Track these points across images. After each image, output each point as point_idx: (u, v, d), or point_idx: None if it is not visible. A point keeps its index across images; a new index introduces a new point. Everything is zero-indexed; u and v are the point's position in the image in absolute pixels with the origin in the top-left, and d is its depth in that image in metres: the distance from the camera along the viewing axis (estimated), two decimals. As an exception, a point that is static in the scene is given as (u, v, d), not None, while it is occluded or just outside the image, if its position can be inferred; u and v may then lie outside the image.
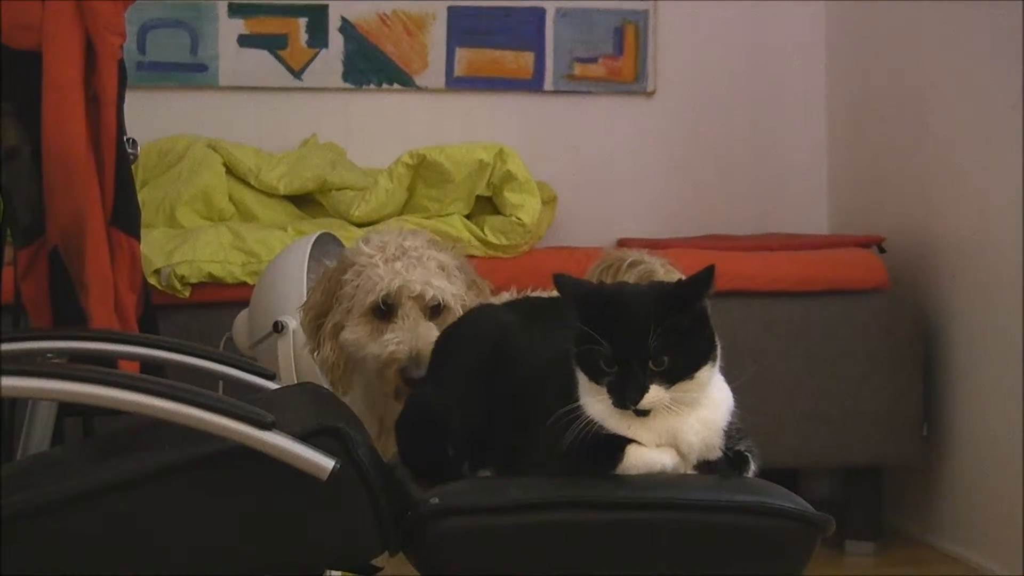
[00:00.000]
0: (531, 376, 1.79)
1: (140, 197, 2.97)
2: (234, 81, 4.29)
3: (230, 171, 4.00)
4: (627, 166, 4.46)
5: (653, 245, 3.39)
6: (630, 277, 2.40)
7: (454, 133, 4.12)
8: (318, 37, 4.31)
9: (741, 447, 1.72)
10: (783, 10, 4.47)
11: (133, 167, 2.64)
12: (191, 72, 4.27)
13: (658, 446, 1.67)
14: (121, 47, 2.50)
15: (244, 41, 4.29)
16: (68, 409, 2.40)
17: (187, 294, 3.46)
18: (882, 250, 3.86)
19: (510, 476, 1.74)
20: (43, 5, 2.40)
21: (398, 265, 2.26)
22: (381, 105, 4.37)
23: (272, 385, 2.27)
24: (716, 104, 4.47)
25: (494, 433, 1.80)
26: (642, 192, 4.46)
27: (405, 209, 3.78)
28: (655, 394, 1.63)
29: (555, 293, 1.73)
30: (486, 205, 3.83)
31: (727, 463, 1.70)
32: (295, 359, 2.75)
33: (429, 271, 2.27)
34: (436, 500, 1.66)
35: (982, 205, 3.50)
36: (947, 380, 3.67)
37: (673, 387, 1.64)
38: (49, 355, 2.12)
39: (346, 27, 4.32)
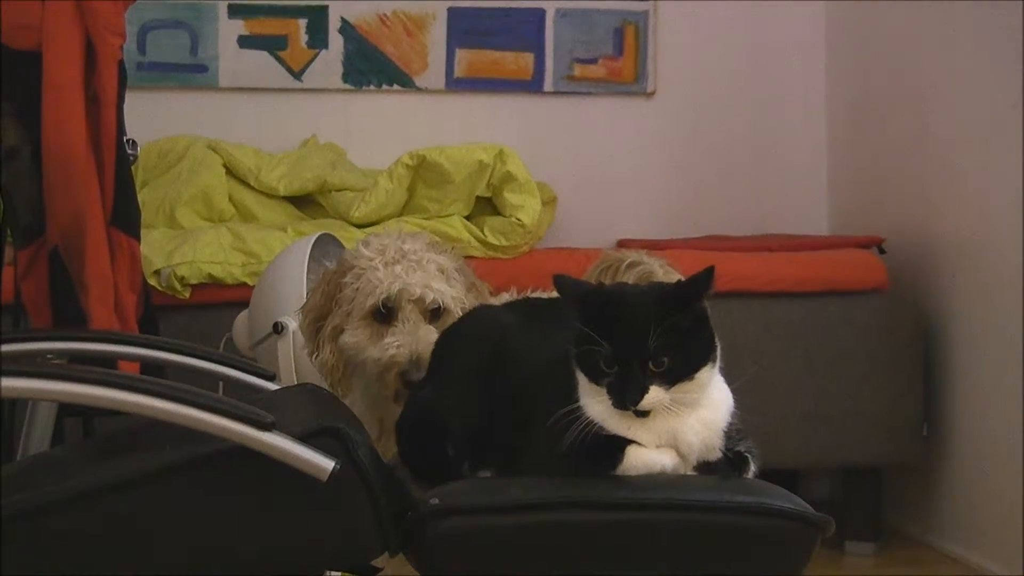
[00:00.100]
0: (531, 377, 1.79)
1: (140, 198, 2.97)
2: (234, 82, 4.29)
3: (230, 172, 4.00)
4: (627, 167, 4.46)
5: (653, 246, 3.40)
6: (629, 278, 2.40)
7: (454, 134, 4.12)
8: (318, 38, 4.31)
9: (741, 448, 1.72)
10: (783, 10, 4.47)
11: (133, 168, 2.64)
12: (191, 73, 4.27)
13: (658, 447, 1.67)
14: (121, 47, 2.50)
15: (244, 42, 4.29)
16: (68, 410, 2.40)
17: (187, 295, 3.45)
18: (882, 251, 3.86)
19: (510, 476, 1.74)
20: (43, 5, 2.40)
21: (398, 268, 2.26)
22: (381, 106, 4.37)
23: (272, 386, 2.27)
24: (716, 105, 4.47)
25: (494, 433, 1.80)
26: (642, 193, 4.46)
27: (405, 210, 3.78)
28: (655, 395, 1.63)
29: (555, 294, 1.74)
30: (486, 206, 3.83)
31: (727, 464, 1.70)
32: (295, 360, 2.75)
33: (429, 274, 2.27)
34: (436, 500, 1.67)
35: (982, 205, 3.50)
36: (947, 380, 3.67)
37: (673, 388, 1.64)
38: (49, 356, 2.12)
39: (346, 28, 4.32)
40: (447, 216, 3.74)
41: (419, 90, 4.37)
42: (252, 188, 3.98)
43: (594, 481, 1.66)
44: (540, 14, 4.39)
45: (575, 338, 1.67)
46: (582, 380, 1.67)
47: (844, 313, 3.65)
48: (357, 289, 2.26)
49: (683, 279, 1.75)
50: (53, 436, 2.30)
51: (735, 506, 1.65)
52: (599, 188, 4.43)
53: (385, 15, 4.34)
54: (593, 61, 4.42)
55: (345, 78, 4.33)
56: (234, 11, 4.28)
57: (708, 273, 1.65)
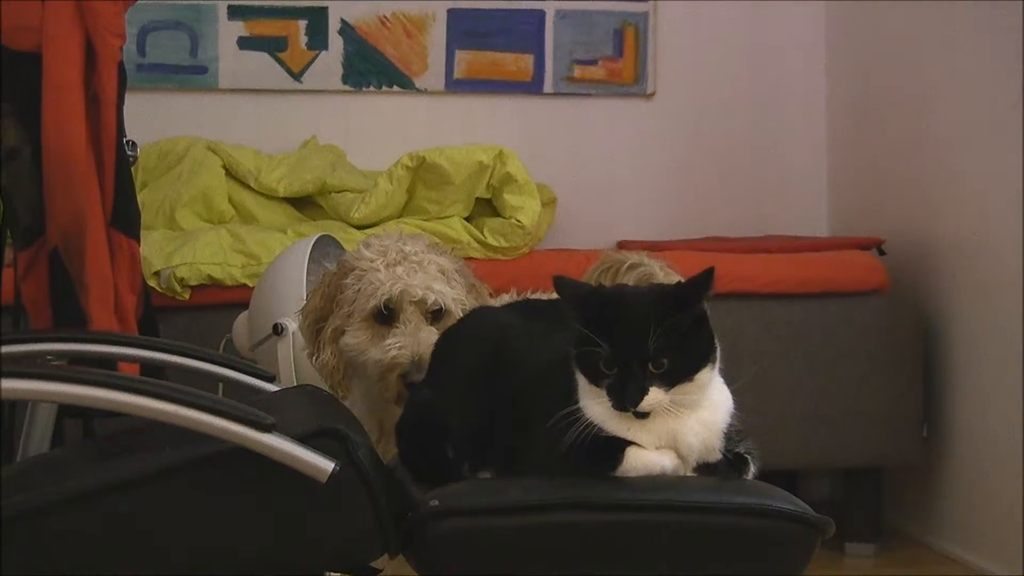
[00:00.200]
0: (531, 378, 1.79)
1: (140, 199, 2.97)
2: (234, 83, 4.29)
3: (230, 173, 4.00)
4: (627, 168, 4.46)
5: (653, 247, 3.40)
6: (629, 279, 2.40)
7: (454, 135, 4.12)
8: (318, 39, 4.31)
9: (741, 449, 1.72)
10: (783, 11, 4.47)
11: (132, 169, 2.64)
12: (191, 74, 4.27)
13: (658, 448, 1.67)
14: (121, 48, 2.50)
15: (244, 43, 4.29)
16: (68, 411, 2.39)
17: (187, 296, 3.45)
18: (882, 252, 3.86)
19: (510, 478, 1.74)
20: (43, 6, 2.40)
21: (399, 270, 2.26)
22: (381, 107, 4.37)
23: (272, 387, 2.27)
24: (716, 106, 4.47)
25: (494, 435, 1.80)
26: (642, 194, 4.46)
27: (405, 211, 3.78)
28: (655, 396, 1.63)
29: (555, 295, 1.74)
30: (486, 207, 3.83)
31: (727, 465, 1.70)
32: (295, 361, 2.75)
33: (430, 275, 2.27)
34: (436, 502, 1.67)
35: (982, 206, 3.50)
36: (947, 381, 3.67)
37: (673, 389, 1.64)
38: (49, 357, 2.12)
39: (346, 29, 4.32)
40: (447, 217, 3.74)
41: (419, 91, 4.37)
42: (252, 189, 3.98)
43: (594, 482, 1.66)
44: (540, 15, 4.39)
45: (575, 339, 1.67)
46: (582, 381, 1.68)
47: (844, 314, 3.65)
48: (358, 290, 2.26)
49: (683, 280, 1.75)
50: (53, 437, 2.29)
51: (735, 507, 1.66)
52: (599, 189, 4.43)
53: (385, 16, 4.34)
54: (593, 62, 4.42)
55: (345, 79, 4.33)
56: (234, 12, 4.28)
57: (708, 274, 1.65)
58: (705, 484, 1.68)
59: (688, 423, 1.67)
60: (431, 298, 2.25)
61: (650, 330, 1.62)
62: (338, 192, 3.88)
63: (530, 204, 3.71)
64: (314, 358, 2.34)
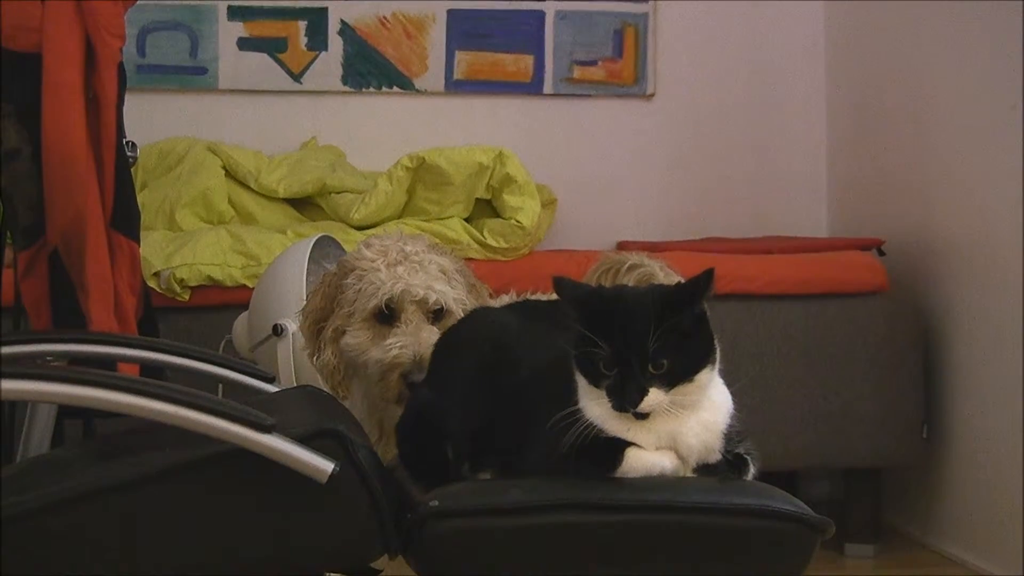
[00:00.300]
0: (531, 378, 1.79)
1: (140, 199, 2.97)
2: (234, 84, 4.29)
3: (229, 174, 4.00)
4: (627, 169, 4.46)
5: (652, 248, 3.39)
6: (630, 280, 2.40)
7: (453, 136, 4.12)
8: (318, 40, 4.32)
9: (740, 449, 1.72)
10: (783, 12, 4.47)
11: (132, 169, 2.64)
12: (191, 75, 4.27)
13: (658, 449, 1.67)
14: (121, 49, 2.50)
15: (244, 44, 4.29)
16: (68, 411, 2.39)
17: (187, 297, 3.45)
18: (882, 252, 3.86)
19: (510, 478, 1.74)
20: (43, 7, 2.40)
21: (400, 269, 2.26)
22: (380, 108, 4.38)
23: (271, 388, 2.27)
24: (716, 106, 4.47)
25: (494, 435, 1.80)
26: (642, 195, 4.46)
27: (404, 212, 3.78)
28: (654, 397, 1.63)
29: (554, 296, 1.74)
30: (485, 208, 3.83)
31: (726, 466, 1.70)
32: (294, 362, 2.75)
33: (431, 275, 2.27)
34: (436, 502, 1.67)
35: (982, 207, 3.50)
36: (947, 382, 3.67)
37: (672, 390, 1.64)
38: (49, 358, 2.12)
39: (345, 30, 4.32)
40: (446, 218, 3.74)
41: (418, 92, 4.37)
42: (252, 190, 3.98)
43: (594, 483, 1.66)
44: (540, 16, 4.39)
45: (575, 340, 1.67)
46: (582, 382, 1.67)
47: (844, 315, 3.64)
48: (359, 290, 2.27)
49: (683, 281, 1.75)
50: (53, 438, 2.29)
51: (735, 508, 1.66)
52: (599, 190, 4.43)
53: (385, 17, 4.34)
54: (593, 63, 4.42)
55: (345, 80, 4.34)
56: (234, 13, 4.28)
57: (708, 275, 1.65)
58: (705, 485, 1.68)
59: (688, 424, 1.67)
60: (432, 298, 2.25)
61: (650, 331, 1.62)
62: (338, 193, 3.89)
63: (530, 205, 3.71)
64: (315, 358, 2.34)
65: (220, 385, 2.40)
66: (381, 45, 4.34)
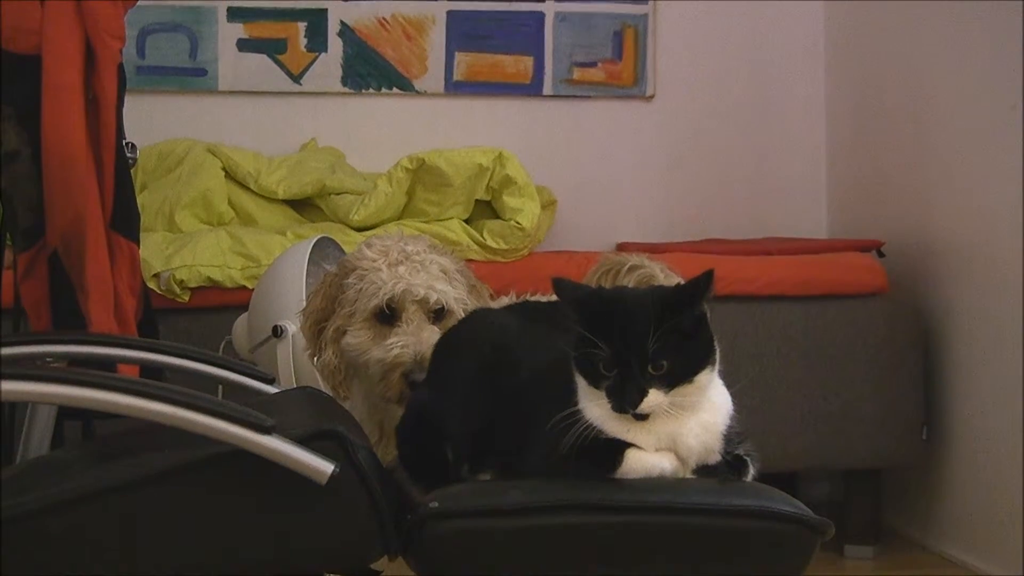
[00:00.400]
0: (530, 380, 1.79)
1: (139, 201, 2.97)
2: (233, 85, 4.29)
3: (229, 175, 4.00)
4: (626, 170, 4.46)
5: (652, 249, 3.40)
6: (630, 281, 2.40)
7: (453, 137, 4.12)
8: (317, 41, 4.32)
9: (740, 451, 1.72)
10: (782, 13, 4.48)
11: (132, 171, 2.64)
12: (190, 76, 4.27)
13: (657, 450, 1.67)
14: (120, 50, 2.50)
15: (243, 45, 4.29)
16: (68, 412, 2.40)
17: (186, 298, 3.45)
18: (881, 254, 3.86)
19: (510, 479, 1.74)
20: (43, 8, 2.40)
21: (401, 269, 2.26)
22: (380, 109, 4.38)
23: (271, 389, 2.27)
24: (715, 107, 4.47)
25: (493, 436, 1.80)
26: (641, 196, 4.46)
27: (404, 213, 3.78)
28: (654, 398, 1.63)
29: (554, 297, 1.74)
30: (485, 209, 3.83)
31: (726, 467, 1.70)
32: (294, 363, 2.75)
33: (432, 275, 2.27)
34: (435, 503, 1.67)
35: (982, 208, 3.50)
36: (947, 383, 3.67)
37: (672, 391, 1.64)
38: (49, 359, 2.12)
39: (345, 31, 4.32)
40: (446, 219, 3.74)
41: (418, 93, 4.37)
42: (251, 191, 3.99)
43: (593, 484, 1.66)
44: (539, 17, 4.39)
45: (574, 341, 1.67)
46: (581, 383, 1.67)
47: (844, 316, 3.64)
48: (360, 290, 2.26)
49: (683, 282, 1.74)
50: (53, 439, 2.29)
51: (734, 509, 1.65)
52: (598, 191, 4.43)
53: (384, 18, 4.34)
54: (592, 64, 4.42)
55: (344, 81, 4.34)
56: (233, 14, 4.28)
57: (707, 276, 1.65)
58: (704, 486, 1.68)
59: (688, 425, 1.67)
60: (433, 297, 2.25)
61: (650, 332, 1.62)
62: (337, 194, 3.89)
63: (530, 206, 3.71)
64: (316, 358, 2.34)
65: (220, 386, 2.40)
66: (381, 46, 4.34)
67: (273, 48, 4.30)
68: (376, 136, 4.32)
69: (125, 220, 2.53)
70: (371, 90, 4.35)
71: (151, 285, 3.34)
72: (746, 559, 1.68)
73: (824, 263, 3.73)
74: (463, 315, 2.23)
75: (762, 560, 1.69)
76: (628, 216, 4.42)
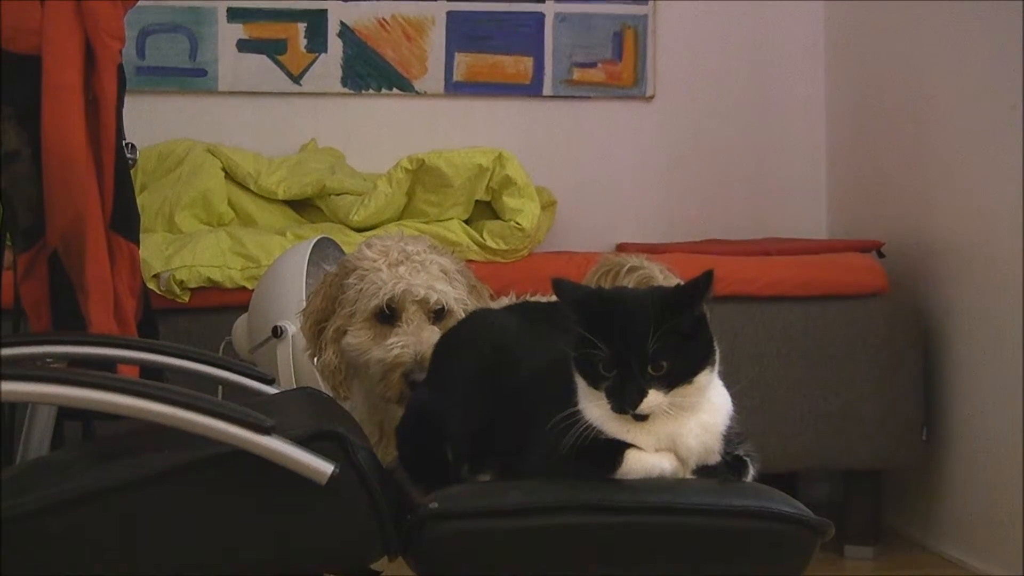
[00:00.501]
0: (530, 380, 1.79)
1: (139, 201, 2.97)
2: (233, 86, 4.29)
3: (229, 176, 4.00)
4: (626, 170, 4.46)
5: (652, 250, 3.40)
6: (629, 282, 2.40)
7: (453, 138, 4.13)
8: (317, 42, 4.32)
9: (740, 451, 1.72)
10: (782, 13, 4.47)
11: (132, 171, 2.64)
12: (190, 76, 4.27)
13: (657, 450, 1.67)
14: (120, 51, 2.50)
15: (243, 46, 4.29)
16: (67, 413, 2.40)
17: (186, 298, 3.45)
18: (881, 254, 3.86)
19: (509, 480, 1.74)
20: (43, 8, 2.40)
21: (401, 269, 2.26)
22: (380, 110, 4.38)
23: (271, 389, 2.27)
24: (715, 108, 4.47)
25: (493, 437, 1.80)
26: (641, 196, 4.46)
27: (404, 214, 3.78)
28: (654, 399, 1.63)
29: (554, 298, 1.74)
30: (485, 210, 3.83)
31: (726, 468, 1.70)
32: (294, 363, 2.75)
33: (432, 275, 2.28)
34: (435, 504, 1.67)
35: (982, 208, 3.50)
36: (947, 384, 3.67)
37: (672, 391, 1.64)
38: (49, 359, 2.12)
39: (345, 32, 4.32)
40: (446, 220, 3.74)
41: (418, 94, 4.37)
42: (251, 192, 3.98)
43: (593, 485, 1.66)
44: (539, 18, 4.39)
45: (574, 342, 1.67)
46: (581, 384, 1.67)
47: (844, 317, 3.64)
48: (360, 290, 2.27)
49: (682, 283, 1.74)
50: (53, 439, 2.30)
51: (734, 510, 1.65)
52: (598, 192, 4.43)
53: (384, 19, 4.34)
54: (592, 65, 4.42)
55: (344, 82, 4.34)
56: (233, 15, 4.28)
57: (707, 277, 1.65)
58: (704, 486, 1.68)
59: (687, 425, 1.67)
60: (433, 297, 2.25)
61: (649, 332, 1.62)
62: (337, 195, 3.89)
63: (529, 207, 3.71)
64: (316, 359, 2.34)
65: (220, 387, 2.40)
66: (381, 47, 4.34)
67: (273, 49, 4.30)
68: (376, 137, 4.32)
69: (125, 221, 2.53)
70: (371, 91, 4.35)
71: (151, 285, 3.34)
72: (746, 559, 1.68)
73: (824, 263, 3.73)
74: (463, 315, 2.23)
75: (762, 560, 1.69)
76: (628, 216, 4.43)
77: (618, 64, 4.43)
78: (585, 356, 1.65)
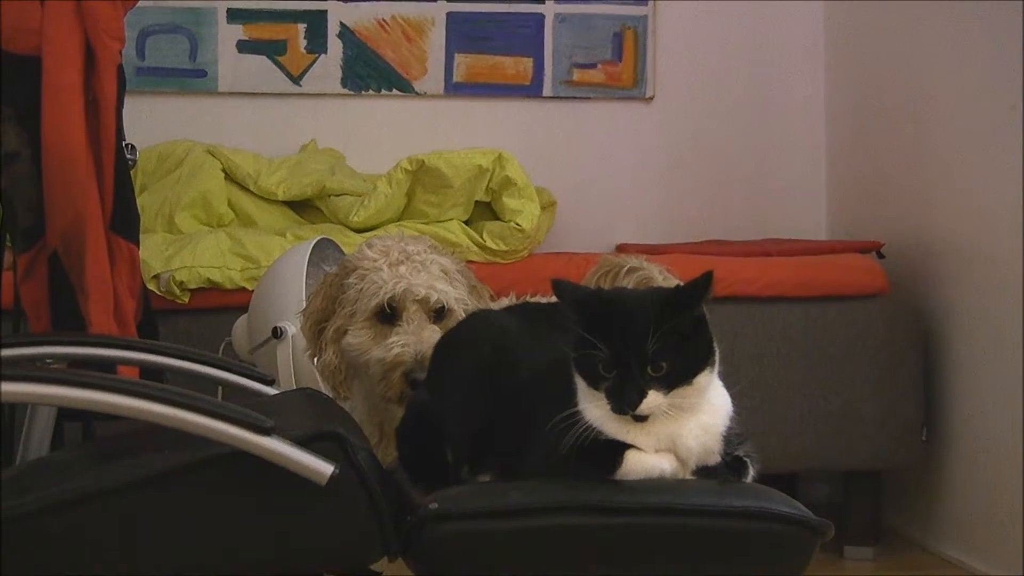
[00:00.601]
0: (530, 381, 1.79)
1: (139, 202, 2.97)
2: (233, 86, 4.29)
3: (229, 176, 4.00)
4: (626, 171, 4.46)
5: (652, 250, 3.40)
6: (629, 283, 2.40)
7: (453, 139, 4.12)
8: (317, 43, 4.32)
9: (740, 452, 1.72)
10: (782, 14, 4.48)
11: (132, 172, 2.64)
12: (190, 77, 4.28)
13: (657, 451, 1.67)
14: (120, 52, 2.50)
15: (243, 46, 4.29)
16: (67, 414, 2.40)
17: (186, 299, 3.45)
18: (881, 255, 3.86)
19: (509, 481, 1.74)
20: (42, 9, 2.40)
21: (402, 269, 2.26)
22: (380, 110, 4.38)
23: (271, 390, 2.27)
24: (715, 109, 4.47)
25: (493, 437, 1.80)
26: (641, 197, 4.46)
27: (404, 215, 3.78)
28: (653, 399, 1.63)
29: (554, 298, 1.74)
30: (485, 211, 3.83)
31: (726, 468, 1.70)
32: (294, 364, 2.75)
33: (433, 275, 2.28)
34: (435, 504, 1.67)
35: (982, 208, 3.50)
36: (946, 384, 3.67)
37: (671, 392, 1.64)
38: (48, 360, 2.12)
39: (345, 33, 4.32)
40: (446, 221, 3.74)
41: (418, 95, 4.37)
42: (251, 193, 3.98)
43: (593, 485, 1.66)
44: (539, 19, 4.39)
45: (574, 342, 1.67)
46: (581, 384, 1.67)
47: (843, 317, 3.64)
48: (361, 290, 2.27)
49: (682, 284, 1.74)
50: (52, 440, 2.29)
51: (734, 510, 1.65)
52: (598, 193, 4.43)
53: (384, 20, 4.34)
54: (592, 66, 4.42)
55: (344, 83, 4.34)
56: (233, 16, 4.28)
57: (707, 278, 1.65)
58: (704, 487, 1.68)
59: (687, 426, 1.67)
60: (434, 297, 2.25)
61: (649, 333, 1.62)
62: (337, 195, 3.89)
63: (529, 208, 3.71)
64: (316, 359, 2.34)
65: (220, 388, 2.40)
66: (380, 48, 4.34)
67: (273, 49, 4.30)
68: (376, 137, 4.32)
69: (125, 221, 2.53)
70: (371, 91, 4.35)
71: (151, 286, 3.34)
72: (746, 560, 1.68)
73: (824, 264, 3.73)
74: (464, 315, 2.23)
75: (762, 561, 1.69)
76: (628, 217, 4.43)
77: (618, 65, 4.43)
78: (585, 357, 1.65)
